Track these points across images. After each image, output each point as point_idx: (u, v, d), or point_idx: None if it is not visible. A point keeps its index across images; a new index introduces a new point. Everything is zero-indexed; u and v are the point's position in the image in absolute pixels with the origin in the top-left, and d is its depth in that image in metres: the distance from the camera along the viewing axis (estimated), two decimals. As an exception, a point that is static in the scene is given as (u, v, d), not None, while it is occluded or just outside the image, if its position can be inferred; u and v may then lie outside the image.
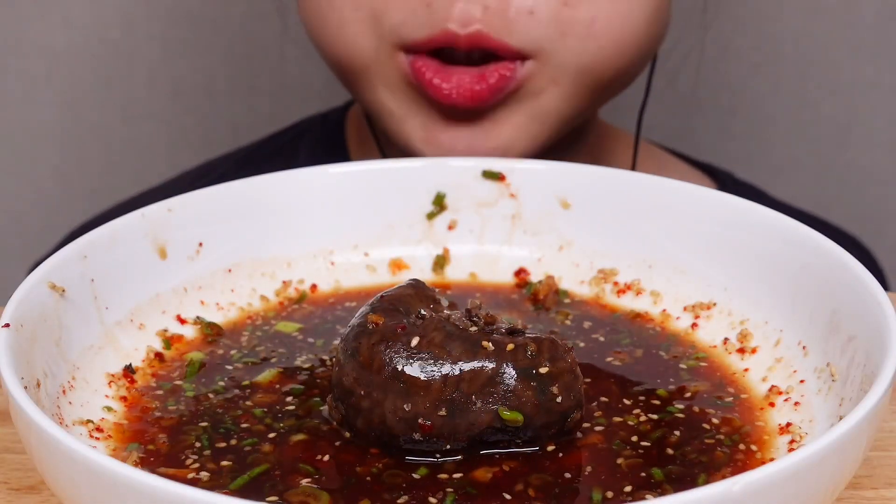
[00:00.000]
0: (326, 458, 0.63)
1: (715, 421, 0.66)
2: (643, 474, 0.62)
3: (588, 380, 0.68)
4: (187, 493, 0.51)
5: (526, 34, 0.89)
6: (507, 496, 0.60)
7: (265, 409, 0.67)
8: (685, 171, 1.17)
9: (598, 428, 0.66)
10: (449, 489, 0.61)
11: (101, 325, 0.71)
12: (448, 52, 0.91)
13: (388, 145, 1.03)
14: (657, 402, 0.68)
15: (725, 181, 1.18)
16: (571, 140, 1.04)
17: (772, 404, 0.68)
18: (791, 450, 0.63)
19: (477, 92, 0.89)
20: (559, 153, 1.01)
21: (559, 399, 0.63)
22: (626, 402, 0.68)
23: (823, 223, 1.15)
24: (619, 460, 0.63)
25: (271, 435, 0.65)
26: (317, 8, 0.95)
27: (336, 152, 1.13)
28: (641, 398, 0.68)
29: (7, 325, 0.62)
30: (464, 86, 0.89)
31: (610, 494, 0.60)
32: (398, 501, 0.60)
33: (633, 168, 1.08)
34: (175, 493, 0.51)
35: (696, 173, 1.18)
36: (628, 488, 0.61)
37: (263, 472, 0.62)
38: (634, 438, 0.65)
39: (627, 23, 0.91)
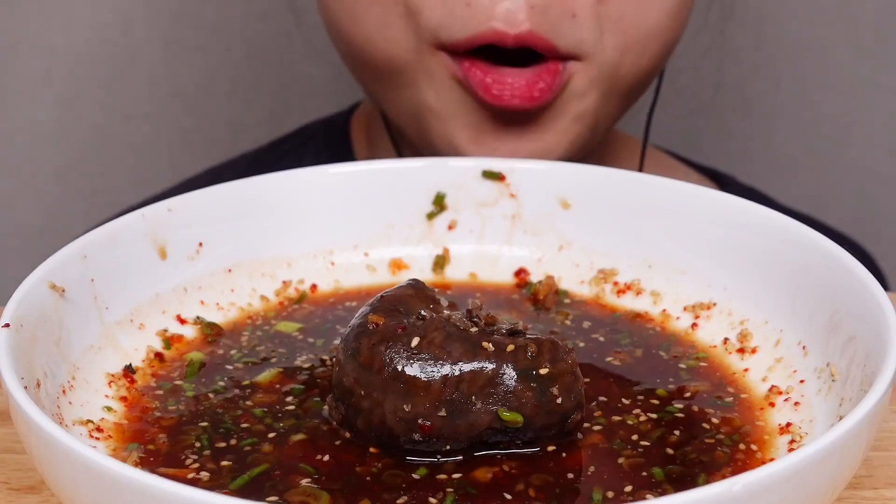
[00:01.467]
0: (326, 458, 0.63)
1: (715, 421, 0.66)
2: (644, 474, 0.62)
3: (587, 380, 0.68)
4: (187, 493, 0.51)
5: (571, 35, 0.88)
6: (508, 496, 0.60)
7: (265, 409, 0.67)
8: (688, 175, 1.17)
9: (597, 427, 0.66)
10: (449, 489, 0.61)
11: (101, 325, 0.71)
12: (492, 50, 0.89)
13: (405, 144, 1.03)
14: (657, 401, 0.68)
15: (729, 185, 1.18)
16: None
17: (772, 404, 0.68)
18: (791, 450, 0.63)
19: (540, 92, 0.88)
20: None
21: (559, 400, 0.63)
22: (626, 401, 0.68)
23: (822, 226, 1.15)
24: (620, 460, 0.63)
25: (271, 435, 0.65)
26: (351, 6, 0.93)
27: (342, 157, 1.12)
28: (641, 398, 0.68)
29: (7, 325, 0.62)
30: (520, 86, 0.88)
31: (610, 494, 0.60)
32: (398, 501, 0.60)
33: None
34: (175, 493, 0.51)
35: (698, 177, 1.18)
36: (629, 488, 0.61)
37: (263, 472, 0.62)
38: (634, 437, 0.65)
39: (651, 18, 0.91)
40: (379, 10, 0.91)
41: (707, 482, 0.61)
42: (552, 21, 0.88)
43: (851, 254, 0.69)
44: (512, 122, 0.91)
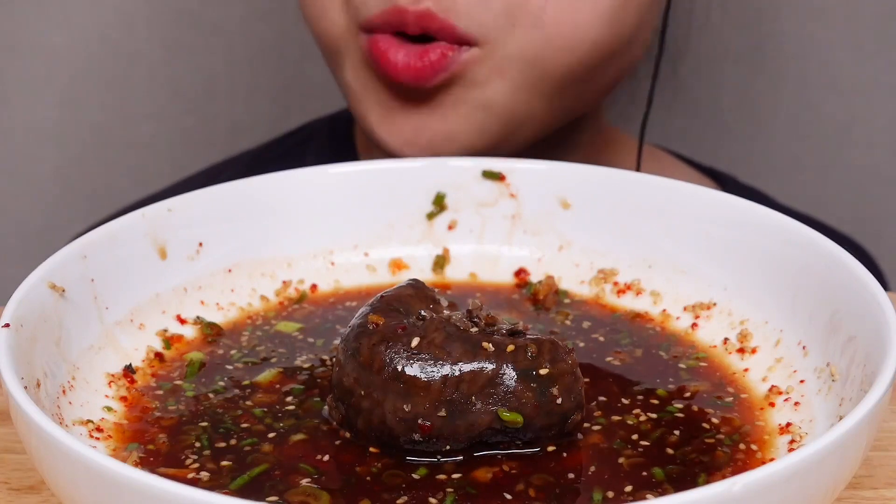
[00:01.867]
0: (326, 458, 0.63)
1: (715, 421, 0.66)
2: (644, 474, 0.62)
3: (587, 380, 0.68)
4: (187, 493, 0.51)
5: (474, 19, 0.88)
6: (508, 496, 0.60)
7: (265, 409, 0.67)
8: (687, 174, 1.17)
9: (597, 427, 0.66)
10: (449, 489, 0.61)
11: (101, 325, 0.71)
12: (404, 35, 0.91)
13: None
14: (657, 401, 0.68)
15: (729, 184, 1.17)
16: (563, 138, 1.03)
17: (772, 404, 0.68)
18: (791, 450, 0.63)
19: (419, 68, 0.89)
20: (556, 153, 1.01)
21: (559, 400, 0.63)
22: (626, 401, 0.68)
23: (821, 225, 1.15)
24: (620, 460, 0.63)
25: (271, 435, 0.65)
26: None
27: (344, 155, 1.12)
28: (640, 398, 0.68)
29: (7, 325, 0.62)
30: (409, 59, 0.89)
31: (611, 494, 0.60)
32: (398, 501, 0.60)
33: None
34: (175, 493, 0.51)
35: (698, 176, 1.18)
36: (629, 488, 0.61)
37: (263, 472, 0.62)
38: (634, 437, 0.65)
39: (580, 17, 0.89)
40: None
41: (707, 482, 0.61)
42: (458, 2, 0.88)
43: (851, 254, 0.69)
44: (415, 101, 0.92)
